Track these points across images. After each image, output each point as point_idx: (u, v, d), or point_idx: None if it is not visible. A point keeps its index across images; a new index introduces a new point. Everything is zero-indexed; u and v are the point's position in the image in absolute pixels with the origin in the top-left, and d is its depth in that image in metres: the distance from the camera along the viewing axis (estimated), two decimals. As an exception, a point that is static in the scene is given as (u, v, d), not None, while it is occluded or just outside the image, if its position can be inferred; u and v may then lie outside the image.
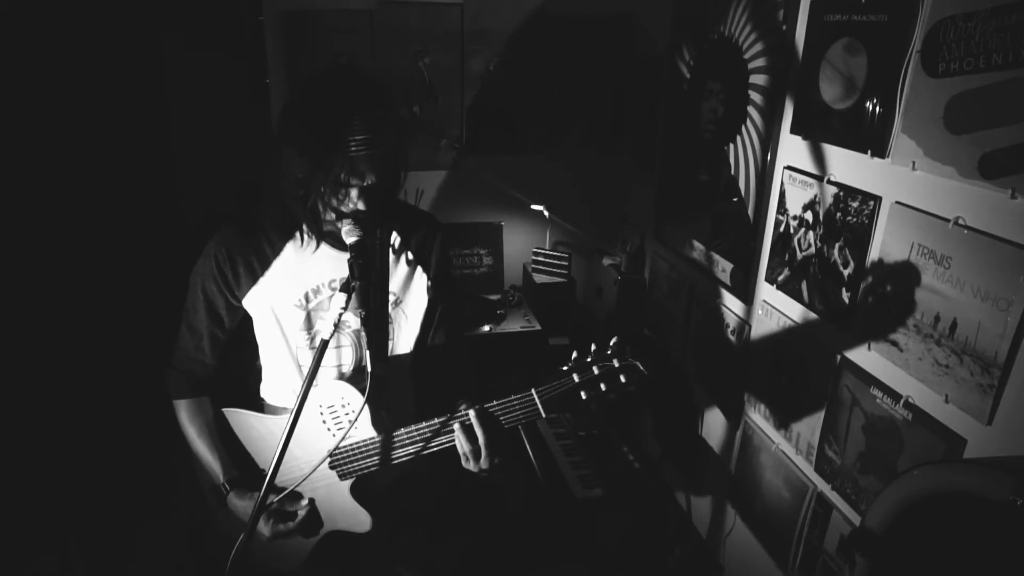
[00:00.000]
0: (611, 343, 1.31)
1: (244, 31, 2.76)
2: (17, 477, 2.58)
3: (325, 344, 1.27)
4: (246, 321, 1.54)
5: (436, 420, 1.42)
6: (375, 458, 1.47)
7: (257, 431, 1.57)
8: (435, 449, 1.43)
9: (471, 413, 1.38)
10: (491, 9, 2.89)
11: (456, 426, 1.39)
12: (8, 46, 2.52)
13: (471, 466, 1.41)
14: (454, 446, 1.41)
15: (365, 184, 1.32)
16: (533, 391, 1.34)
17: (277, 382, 1.60)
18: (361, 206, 1.33)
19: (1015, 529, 1.11)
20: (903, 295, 1.53)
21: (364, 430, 1.46)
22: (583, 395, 1.30)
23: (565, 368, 1.32)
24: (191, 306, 1.51)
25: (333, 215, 1.37)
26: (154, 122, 2.87)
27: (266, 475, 1.22)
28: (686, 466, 2.64)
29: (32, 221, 2.68)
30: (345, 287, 1.29)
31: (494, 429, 1.38)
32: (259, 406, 1.64)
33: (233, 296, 1.49)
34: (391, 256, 1.54)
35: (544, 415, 1.34)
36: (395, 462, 1.46)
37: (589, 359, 1.31)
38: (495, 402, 1.38)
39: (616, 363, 1.28)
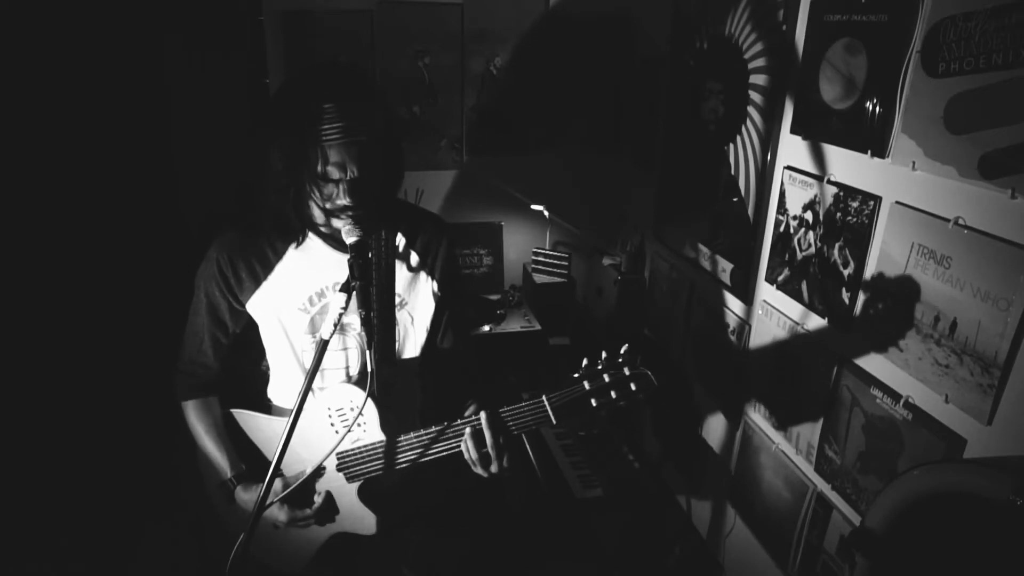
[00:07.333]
0: (622, 351, 1.30)
1: (244, 31, 2.76)
2: (18, 478, 2.58)
3: (325, 344, 1.26)
4: (251, 323, 1.53)
5: (443, 424, 1.41)
6: (383, 461, 1.46)
7: (265, 432, 1.57)
8: (443, 454, 1.42)
9: (482, 417, 1.37)
10: (491, 9, 2.89)
11: (467, 431, 1.38)
12: (8, 46, 2.52)
13: (479, 470, 1.41)
14: (459, 451, 1.41)
15: (348, 177, 1.28)
16: (544, 397, 1.33)
17: (284, 384, 1.59)
18: (348, 201, 1.30)
19: (1015, 529, 1.11)
20: (903, 295, 1.53)
21: (373, 433, 1.45)
22: (593, 402, 1.29)
23: (576, 375, 1.31)
24: (194, 309, 1.50)
25: (324, 216, 1.35)
26: (154, 122, 2.87)
27: (266, 475, 1.22)
28: (686, 466, 2.64)
29: (31, 221, 2.67)
30: (345, 287, 1.27)
31: (503, 434, 1.37)
32: (266, 407, 1.63)
33: (237, 301, 1.48)
34: (396, 258, 1.52)
35: (555, 422, 1.33)
36: (403, 466, 1.45)
37: (600, 366, 1.30)
38: (506, 407, 1.37)
39: (627, 371, 1.28)
